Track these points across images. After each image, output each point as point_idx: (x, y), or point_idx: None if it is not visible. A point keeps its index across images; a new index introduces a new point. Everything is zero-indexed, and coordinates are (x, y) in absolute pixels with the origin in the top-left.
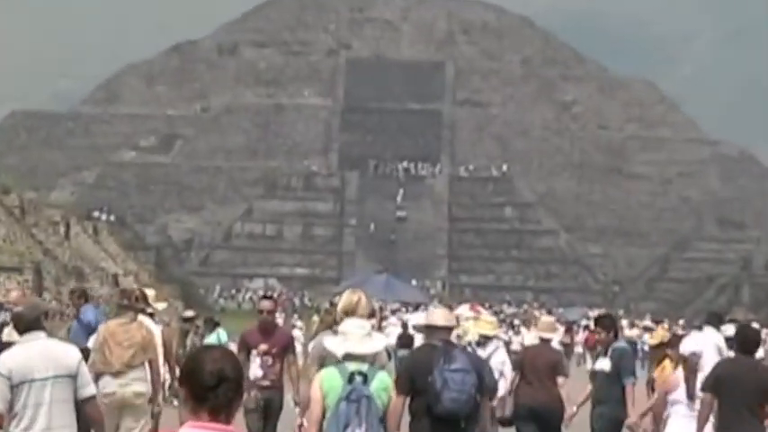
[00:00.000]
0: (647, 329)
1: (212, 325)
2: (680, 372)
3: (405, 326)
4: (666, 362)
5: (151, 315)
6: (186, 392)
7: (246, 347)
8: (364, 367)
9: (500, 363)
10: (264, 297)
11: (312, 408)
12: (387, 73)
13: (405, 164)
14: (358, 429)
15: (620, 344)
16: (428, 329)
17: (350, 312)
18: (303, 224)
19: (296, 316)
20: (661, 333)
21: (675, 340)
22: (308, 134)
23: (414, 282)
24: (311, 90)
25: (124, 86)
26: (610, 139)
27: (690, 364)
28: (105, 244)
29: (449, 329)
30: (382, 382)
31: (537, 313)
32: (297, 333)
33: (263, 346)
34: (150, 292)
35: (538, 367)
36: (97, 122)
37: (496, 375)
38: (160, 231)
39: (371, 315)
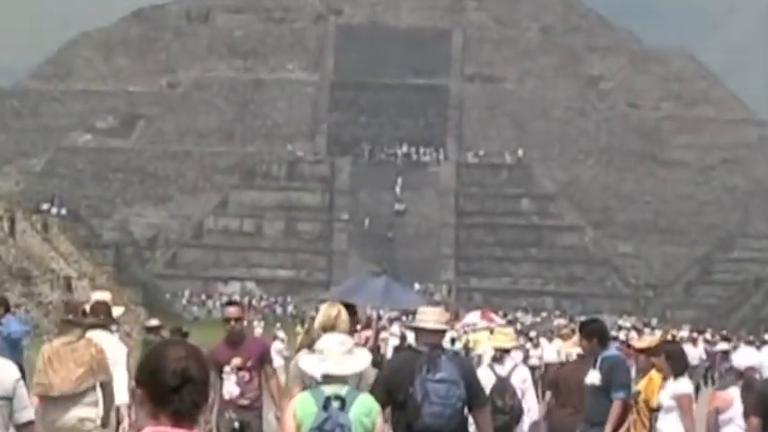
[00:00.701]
0: (690, 341)
1: (180, 336)
2: (733, 388)
3: (403, 337)
4: (653, 372)
5: (102, 327)
6: (145, 394)
7: (218, 365)
8: (343, 390)
9: (521, 381)
10: (230, 303)
11: None
12: (383, 43)
13: (404, 148)
14: None
15: (611, 353)
16: (417, 332)
17: (328, 328)
18: (286, 218)
19: (278, 325)
20: (651, 337)
21: (661, 346)
22: (291, 114)
23: (417, 286)
24: (295, 63)
25: (78, 59)
26: (643, 120)
27: (746, 380)
28: (56, 242)
29: (441, 333)
30: (364, 407)
31: (557, 322)
32: (279, 345)
33: (236, 361)
34: (104, 295)
35: (573, 388)
36: (47, 100)
37: (519, 395)
38: (120, 227)
39: (366, 326)
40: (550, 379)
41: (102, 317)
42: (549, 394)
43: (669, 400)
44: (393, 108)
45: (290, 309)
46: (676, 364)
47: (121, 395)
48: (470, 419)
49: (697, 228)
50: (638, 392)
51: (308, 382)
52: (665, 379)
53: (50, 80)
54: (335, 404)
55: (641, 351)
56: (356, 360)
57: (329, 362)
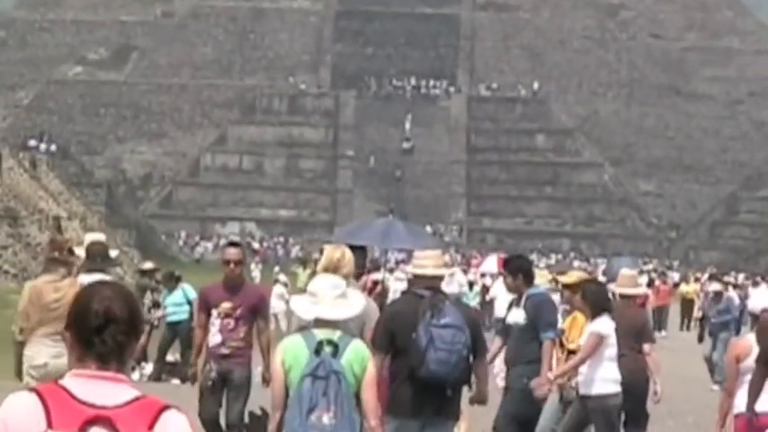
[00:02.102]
0: (721, 282)
1: (174, 280)
2: (752, 335)
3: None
4: (578, 312)
5: (100, 271)
6: (72, 337)
7: (207, 307)
8: (335, 335)
9: None
10: (231, 244)
11: (273, 387)
12: None
13: (413, 81)
14: (326, 414)
15: (537, 290)
16: (416, 277)
17: (331, 271)
18: (288, 155)
19: (277, 268)
20: (578, 273)
21: (585, 284)
22: (293, 45)
23: (428, 228)
24: None
25: None
26: (666, 51)
27: (762, 324)
28: (45, 180)
29: (440, 278)
30: (357, 354)
31: (576, 264)
32: (281, 289)
33: (225, 305)
34: (98, 237)
35: (618, 332)
36: (35, 31)
37: None
38: (112, 164)
39: (375, 269)
40: None
41: (99, 260)
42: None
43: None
44: (401, 38)
45: (294, 251)
46: (593, 303)
47: None
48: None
49: (723, 165)
50: (562, 331)
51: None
52: (587, 318)
53: (38, 9)
54: (328, 349)
55: (567, 287)
56: (349, 305)
57: (321, 306)
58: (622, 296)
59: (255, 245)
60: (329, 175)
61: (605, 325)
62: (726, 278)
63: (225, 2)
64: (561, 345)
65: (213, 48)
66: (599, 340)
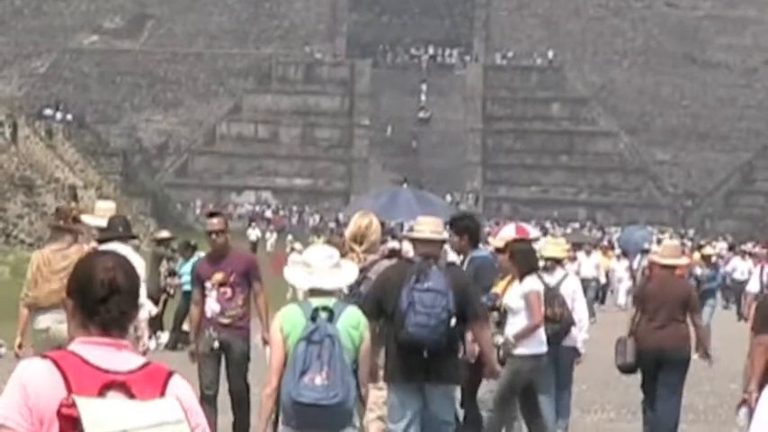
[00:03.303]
0: (740, 254)
1: (190, 249)
2: None
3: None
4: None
5: (120, 239)
6: (75, 305)
7: (199, 281)
8: (330, 302)
9: (571, 291)
10: (211, 214)
11: (273, 352)
12: None
13: (429, 50)
14: (318, 376)
15: (481, 253)
16: (414, 243)
17: (359, 238)
18: (303, 124)
19: (290, 237)
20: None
21: (513, 243)
22: (309, 14)
23: (448, 197)
24: None
25: None
26: (682, 20)
27: None
28: (61, 149)
29: (437, 243)
30: (352, 319)
31: (590, 233)
32: (296, 257)
33: (218, 276)
34: (109, 205)
35: (663, 302)
36: None
37: (570, 305)
38: (128, 133)
39: (393, 237)
40: (637, 293)
41: (120, 229)
42: (636, 309)
43: (518, 301)
44: (417, 7)
45: (312, 220)
46: (521, 263)
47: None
48: (461, 338)
49: (738, 133)
50: (497, 295)
51: None
52: (512, 281)
53: None
54: (323, 315)
55: (499, 251)
56: (343, 274)
57: (316, 275)
58: (664, 266)
59: (268, 213)
60: (345, 144)
61: (536, 282)
62: (743, 247)
63: None
64: (494, 309)
65: (229, 16)
66: (539, 297)
